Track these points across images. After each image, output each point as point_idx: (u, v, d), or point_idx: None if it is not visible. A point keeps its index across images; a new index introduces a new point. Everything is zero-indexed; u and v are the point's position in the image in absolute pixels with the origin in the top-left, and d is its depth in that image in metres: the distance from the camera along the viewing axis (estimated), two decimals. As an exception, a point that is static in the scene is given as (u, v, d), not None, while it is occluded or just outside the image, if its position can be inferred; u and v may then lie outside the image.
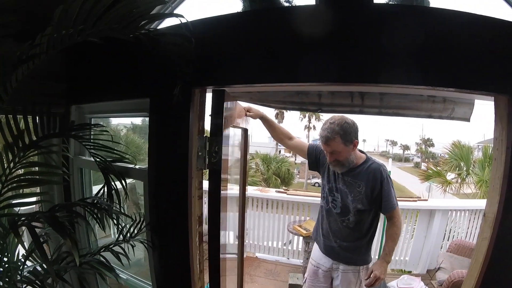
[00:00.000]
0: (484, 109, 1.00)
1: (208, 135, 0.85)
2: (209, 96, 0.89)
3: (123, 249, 1.07)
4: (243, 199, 1.39)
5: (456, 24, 0.81)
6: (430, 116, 0.96)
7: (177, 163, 0.91)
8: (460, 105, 0.97)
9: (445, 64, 0.81)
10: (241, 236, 1.39)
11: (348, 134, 1.30)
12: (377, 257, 2.61)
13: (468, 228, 3.07)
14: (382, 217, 1.51)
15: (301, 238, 3.08)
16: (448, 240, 3.08)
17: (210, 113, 0.84)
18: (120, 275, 1.07)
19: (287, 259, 3.32)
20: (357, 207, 1.42)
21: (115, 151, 1.07)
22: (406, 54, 0.80)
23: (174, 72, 0.86)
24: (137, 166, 1.07)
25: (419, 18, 0.81)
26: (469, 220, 3.07)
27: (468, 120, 1.00)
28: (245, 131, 1.39)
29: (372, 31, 0.80)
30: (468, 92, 0.85)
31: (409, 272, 3.06)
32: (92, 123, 1.30)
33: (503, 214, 0.81)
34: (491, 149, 5.78)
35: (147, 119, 1.01)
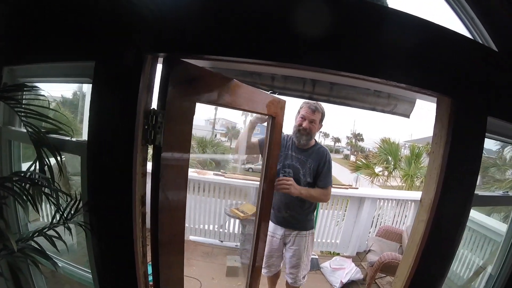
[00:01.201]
0: (412, 113, 1.09)
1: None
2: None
3: (58, 233, 0.95)
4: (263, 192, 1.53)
5: (411, 27, 0.86)
6: (373, 109, 1.03)
7: (121, 137, 0.82)
8: (403, 103, 1.04)
9: (399, 62, 0.86)
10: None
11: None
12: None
13: (394, 216, 3.47)
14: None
15: (237, 221, 3.13)
16: (375, 227, 3.44)
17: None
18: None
19: (221, 242, 3.33)
20: (307, 180, 1.77)
21: (51, 120, 0.94)
22: (364, 47, 0.82)
23: (126, 34, 0.77)
24: (74, 139, 0.95)
25: (378, 15, 0.84)
26: (395, 209, 3.47)
27: (408, 116, 1.08)
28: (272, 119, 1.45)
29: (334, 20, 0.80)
30: (416, 89, 0.91)
31: (338, 254, 3.32)
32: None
33: (439, 200, 0.89)
34: (417, 147, 6.60)
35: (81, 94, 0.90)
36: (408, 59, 0.86)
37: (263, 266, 1.93)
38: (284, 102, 1.48)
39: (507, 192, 1.25)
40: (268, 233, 1.87)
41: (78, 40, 0.88)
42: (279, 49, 0.79)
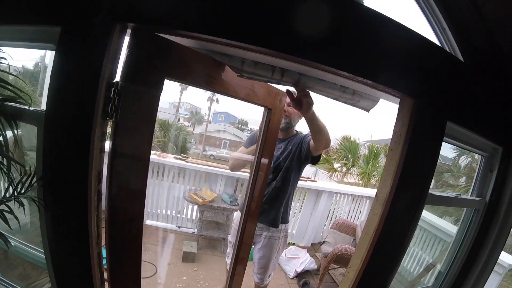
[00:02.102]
0: (374, 115, 1.15)
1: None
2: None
3: (10, 208, 0.89)
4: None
5: (383, 27, 0.88)
6: (336, 99, 1.07)
7: (80, 108, 0.79)
8: (366, 100, 1.08)
9: (369, 59, 0.88)
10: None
11: None
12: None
13: (349, 210, 3.66)
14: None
15: (195, 206, 3.14)
16: (331, 220, 3.59)
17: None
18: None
19: (178, 227, 3.32)
20: (286, 164, 1.71)
21: (10, 86, 0.88)
22: (336, 40, 0.84)
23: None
24: (31, 108, 0.90)
25: (354, 12, 0.85)
26: (350, 204, 3.66)
27: (368, 111, 1.13)
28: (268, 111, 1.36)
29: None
30: (381, 88, 0.94)
31: (294, 244, 3.43)
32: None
33: (394, 195, 0.94)
34: (376, 147, 6.95)
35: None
36: (375, 57, 0.88)
37: (229, 263, 1.85)
38: (284, 94, 1.33)
39: (460, 194, 1.34)
40: (234, 227, 1.83)
41: (45, 2, 0.83)
42: (260, 33, 0.78)
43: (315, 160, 1.71)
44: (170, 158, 3.32)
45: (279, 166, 1.72)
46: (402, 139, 0.94)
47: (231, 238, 1.90)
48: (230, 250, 1.89)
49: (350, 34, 0.84)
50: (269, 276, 1.91)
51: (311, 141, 1.60)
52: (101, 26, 0.76)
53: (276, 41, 0.79)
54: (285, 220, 1.82)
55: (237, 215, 1.93)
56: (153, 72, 0.81)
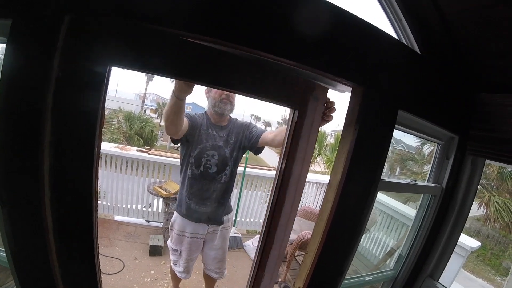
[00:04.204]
0: (341, 105, 1.15)
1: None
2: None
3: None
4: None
5: (334, 17, 0.89)
6: None
7: (31, 102, 0.77)
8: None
9: (322, 50, 0.89)
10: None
11: None
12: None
13: (314, 198, 3.80)
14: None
15: (161, 199, 3.17)
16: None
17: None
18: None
19: (147, 222, 3.32)
20: (233, 155, 1.59)
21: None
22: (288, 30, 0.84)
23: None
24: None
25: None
26: (316, 192, 3.80)
27: (343, 92, 1.12)
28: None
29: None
30: (332, 76, 0.94)
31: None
32: None
33: (345, 182, 0.97)
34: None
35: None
36: (325, 46, 0.89)
37: (181, 271, 1.75)
38: (326, 89, 1.00)
39: (415, 180, 1.41)
40: (184, 234, 1.66)
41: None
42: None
43: (259, 151, 1.66)
44: (133, 151, 3.25)
45: (224, 158, 1.57)
46: (352, 127, 0.97)
47: (174, 245, 1.72)
48: (176, 259, 1.75)
49: (306, 27, 0.83)
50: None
51: (268, 136, 1.55)
52: (51, 18, 0.73)
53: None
54: (230, 209, 1.77)
55: (178, 219, 1.69)
56: (92, 60, 0.79)
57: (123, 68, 0.89)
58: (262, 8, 0.78)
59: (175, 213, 1.71)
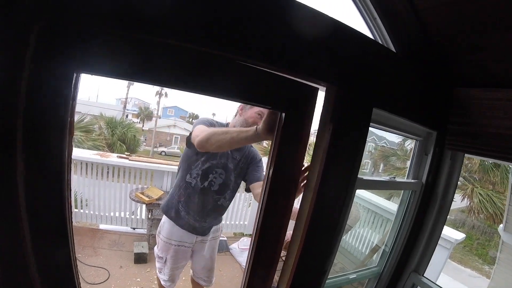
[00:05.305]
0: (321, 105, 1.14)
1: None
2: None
3: None
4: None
5: (306, 17, 0.88)
6: None
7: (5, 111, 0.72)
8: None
9: (292, 50, 0.87)
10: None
11: None
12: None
13: (299, 199, 3.82)
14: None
15: (144, 206, 3.13)
16: None
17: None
18: None
19: (133, 229, 3.28)
20: (237, 181, 1.58)
21: None
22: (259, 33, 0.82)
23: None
24: None
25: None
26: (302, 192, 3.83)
27: None
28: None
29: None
30: (303, 77, 0.94)
31: (247, 235, 3.54)
32: None
33: (321, 181, 0.96)
34: None
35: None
36: (294, 46, 0.87)
37: (165, 279, 1.71)
38: (316, 89, 0.96)
39: (394, 177, 1.43)
40: (171, 242, 1.62)
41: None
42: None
43: (248, 190, 1.58)
44: (113, 157, 3.19)
45: (229, 181, 1.52)
46: (327, 127, 0.97)
47: (160, 252, 1.68)
48: (161, 266, 1.72)
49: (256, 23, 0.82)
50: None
51: (257, 190, 1.45)
52: (20, 24, 0.70)
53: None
54: (220, 220, 1.76)
55: (167, 224, 1.64)
56: (61, 66, 0.76)
57: (91, 74, 0.86)
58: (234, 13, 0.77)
59: (164, 217, 1.67)
